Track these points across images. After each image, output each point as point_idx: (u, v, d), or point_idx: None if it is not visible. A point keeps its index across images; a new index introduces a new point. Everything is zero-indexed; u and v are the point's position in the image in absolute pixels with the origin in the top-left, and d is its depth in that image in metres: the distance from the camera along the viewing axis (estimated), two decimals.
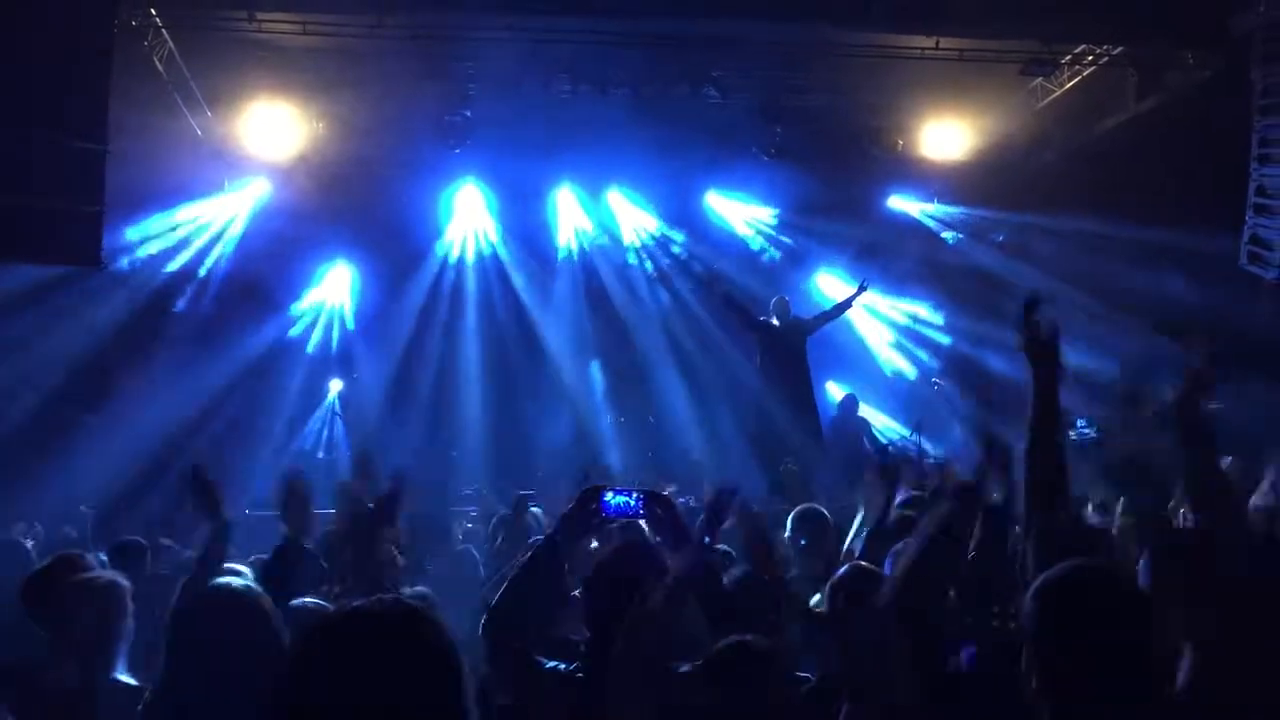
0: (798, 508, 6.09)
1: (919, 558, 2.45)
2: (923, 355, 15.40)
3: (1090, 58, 12.51)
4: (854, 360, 15.28)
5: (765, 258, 15.63)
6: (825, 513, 5.99)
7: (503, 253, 15.41)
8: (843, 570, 4.06)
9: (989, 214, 14.34)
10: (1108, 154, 12.75)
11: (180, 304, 13.36)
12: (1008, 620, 2.99)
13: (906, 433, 13.10)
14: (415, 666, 1.66)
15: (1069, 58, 12.49)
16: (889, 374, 15.51)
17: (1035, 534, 2.70)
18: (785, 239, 15.59)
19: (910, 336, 15.66)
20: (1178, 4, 11.04)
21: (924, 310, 15.40)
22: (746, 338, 13.39)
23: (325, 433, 14.29)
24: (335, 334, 15.09)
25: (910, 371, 15.46)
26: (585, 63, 12.22)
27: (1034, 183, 13.35)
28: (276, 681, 1.67)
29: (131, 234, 11.88)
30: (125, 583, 3.83)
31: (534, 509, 8.05)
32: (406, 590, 4.68)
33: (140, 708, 3.14)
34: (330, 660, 1.67)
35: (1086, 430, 11.55)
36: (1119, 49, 12.27)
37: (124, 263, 12.04)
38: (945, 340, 15.07)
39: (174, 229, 13.02)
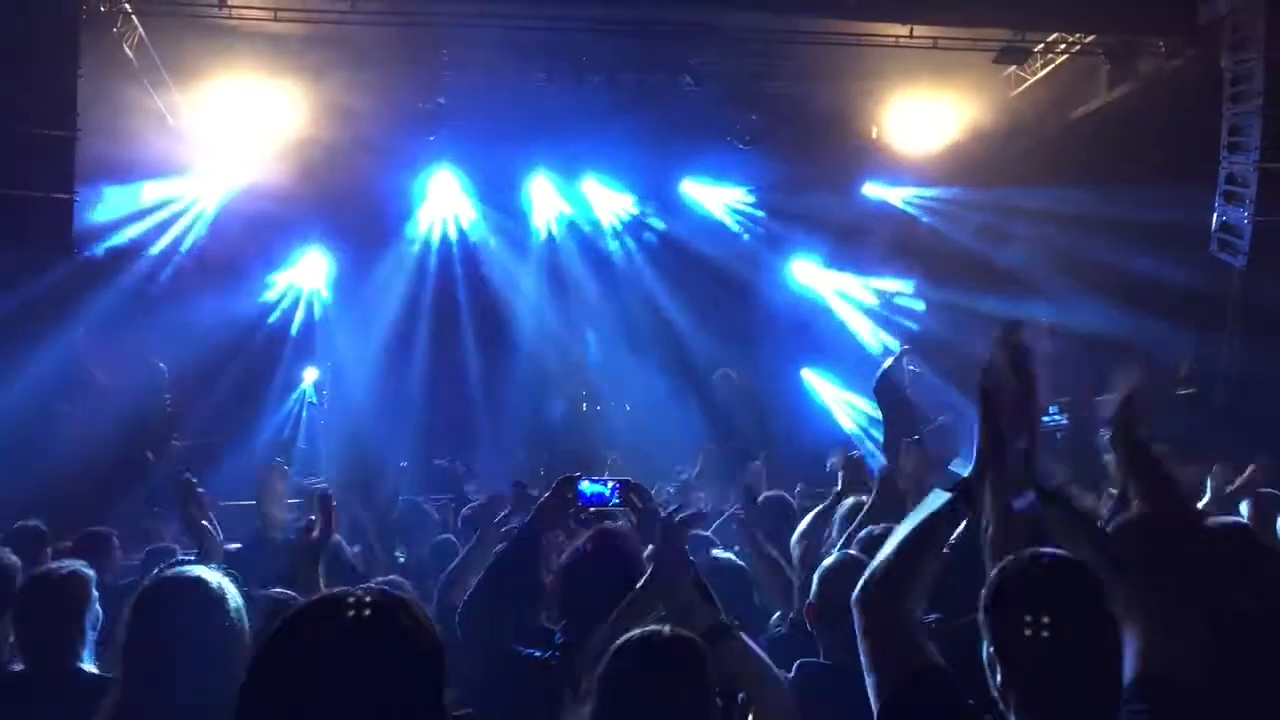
0: (762, 495, 6.06)
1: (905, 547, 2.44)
2: (897, 336, 15.43)
3: (1063, 46, 12.58)
4: (830, 342, 15.36)
5: (741, 244, 15.64)
6: (790, 499, 5.97)
7: (478, 238, 15.37)
8: (831, 559, 3.99)
9: (964, 197, 14.39)
10: (1081, 142, 12.84)
11: (150, 284, 13.17)
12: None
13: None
14: (388, 655, 1.67)
15: (1041, 46, 12.55)
16: (865, 354, 15.51)
17: (996, 524, 2.72)
18: (761, 225, 15.61)
19: (886, 318, 15.70)
20: None
21: (901, 288, 15.42)
22: None
23: (302, 421, 14.22)
24: (305, 317, 14.99)
25: (883, 346, 15.49)
26: (560, 50, 12.17)
27: (1008, 170, 13.41)
28: (246, 671, 1.67)
29: (100, 215, 11.70)
30: (89, 572, 3.79)
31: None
32: (378, 580, 4.66)
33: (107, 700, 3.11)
34: (301, 647, 1.67)
35: (1057, 417, 11.68)
36: (1090, 37, 12.36)
37: (99, 250, 11.86)
38: (917, 324, 15.12)
39: (143, 210, 12.86)
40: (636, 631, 2.80)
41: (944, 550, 2.52)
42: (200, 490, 4.12)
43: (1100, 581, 2.21)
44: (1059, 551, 2.35)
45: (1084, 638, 2.13)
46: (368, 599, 1.71)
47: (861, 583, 2.40)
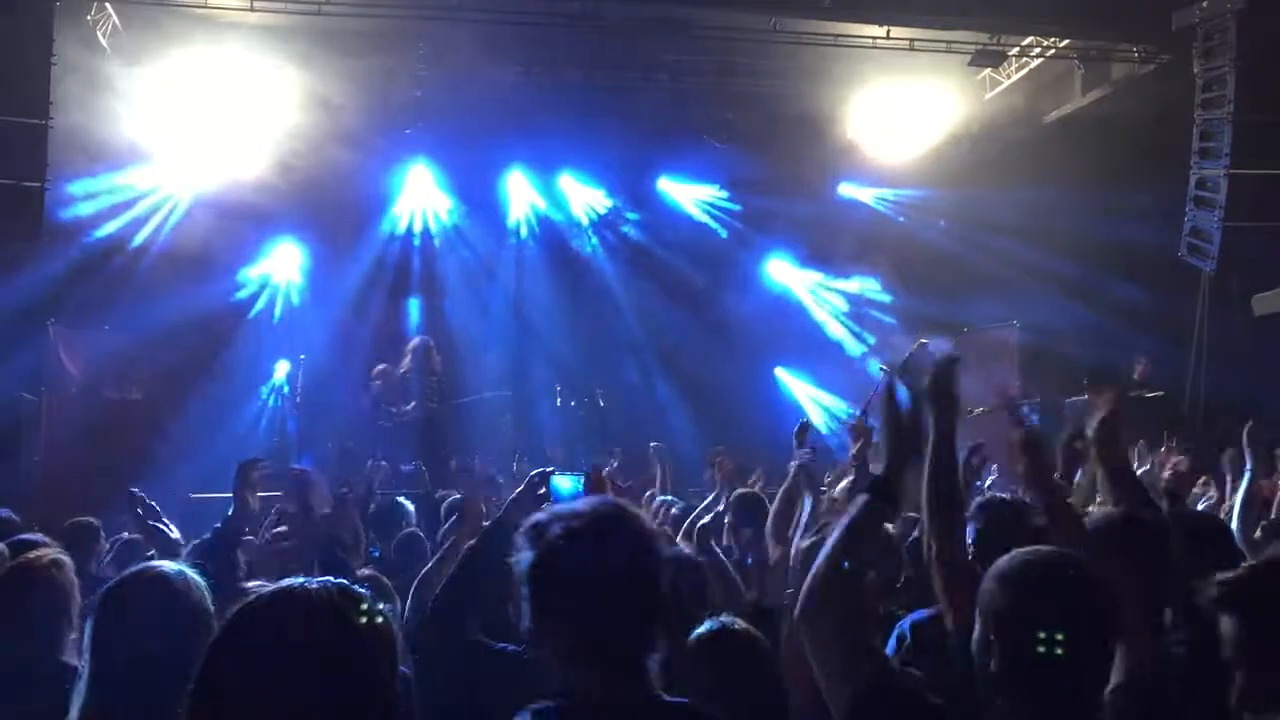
0: (737, 492, 6.06)
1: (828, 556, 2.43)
2: (870, 337, 15.50)
3: (1037, 50, 12.69)
4: (804, 340, 15.40)
5: (716, 241, 15.66)
6: (765, 498, 5.97)
7: (454, 232, 15.31)
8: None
9: (938, 198, 14.46)
10: (1055, 145, 12.95)
11: (121, 273, 13.00)
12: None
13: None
14: (338, 649, 1.67)
15: (1016, 50, 12.65)
16: (838, 352, 15.55)
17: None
18: (736, 223, 15.63)
19: (860, 318, 15.75)
20: None
21: (874, 287, 15.47)
22: None
23: (275, 414, 14.08)
24: (280, 309, 14.87)
25: (858, 350, 15.55)
26: (538, 46, 12.16)
27: (982, 172, 13.50)
28: (201, 665, 1.68)
29: (72, 204, 11.55)
30: (69, 561, 3.74)
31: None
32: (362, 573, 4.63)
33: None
34: (250, 641, 1.68)
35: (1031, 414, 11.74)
36: (1065, 42, 12.47)
37: (70, 239, 11.71)
38: (889, 324, 15.19)
39: (116, 199, 12.70)
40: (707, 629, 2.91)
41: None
42: (146, 498, 4.08)
43: (1101, 580, 2.23)
44: (1065, 549, 2.38)
45: (1084, 634, 2.15)
46: (316, 593, 1.72)
47: (803, 594, 2.38)
